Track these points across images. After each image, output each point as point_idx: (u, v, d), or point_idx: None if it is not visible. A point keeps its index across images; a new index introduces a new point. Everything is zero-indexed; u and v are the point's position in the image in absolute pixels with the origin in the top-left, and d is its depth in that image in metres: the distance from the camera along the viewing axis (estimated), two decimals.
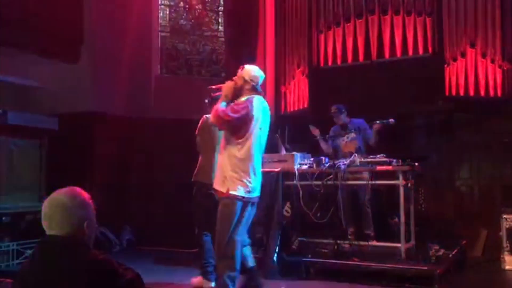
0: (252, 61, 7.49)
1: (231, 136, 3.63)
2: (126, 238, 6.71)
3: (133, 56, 7.13)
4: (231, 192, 3.54)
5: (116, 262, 1.88)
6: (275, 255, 4.86)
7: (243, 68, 3.81)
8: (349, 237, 5.25)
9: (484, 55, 6.02)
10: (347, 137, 5.64)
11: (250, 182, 3.58)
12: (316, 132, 5.70)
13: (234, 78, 3.77)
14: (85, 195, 1.90)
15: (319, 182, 4.91)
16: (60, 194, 1.85)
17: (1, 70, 5.77)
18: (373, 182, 5.03)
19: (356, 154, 5.09)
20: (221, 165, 3.65)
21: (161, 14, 7.82)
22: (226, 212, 3.58)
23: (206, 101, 4.30)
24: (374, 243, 5.14)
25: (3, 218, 5.32)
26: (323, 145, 5.70)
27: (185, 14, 7.99)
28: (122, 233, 6.75)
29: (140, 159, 7.10)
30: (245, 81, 3.74)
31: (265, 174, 5.17)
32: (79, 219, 1.81)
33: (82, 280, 1.69)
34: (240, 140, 3.59)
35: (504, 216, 5.13)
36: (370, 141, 5.56)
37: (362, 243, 5.03)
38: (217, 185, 3.64)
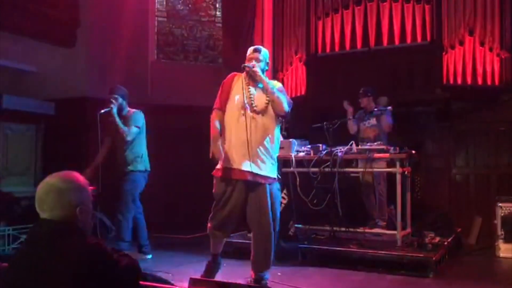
0: (249, 46, 7.47)
1: (276, 119, 3.63)
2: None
3: (129, 41, 7.07)
4: (277, 176, 3.65)
5: (112, 249, 1.87)
6: None
7: (258, 50, 3.72)
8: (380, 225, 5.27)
9: (482, 44, 6.01)
10: (368, 123, 5.60)
11: None
12: (350, 109, 5.64)
13: (254, 64, 3.61)
14: (81, 180, 1.87)
15: (316, 169, 4.92)
16: (53, 177, 1.84)
17: None
18: (371, 169, 5.04)
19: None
20: (265, 149, 3.56)
21: None
22: (278, 199, 3.67)
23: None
24: (370, 230, 5.16)
25: None
26: (350, 125, 5.65)
27: None
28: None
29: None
30: (267, 63, 3.76)
31: None
32: (71, 203, 1.79)
33: (74, 264, 1.67)
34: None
35: (499, 204, 5.17)
36: (385, 127, 5.46)
37: (358, 230, 5.05)
38: (266, 171, 3.57)
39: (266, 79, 3.63)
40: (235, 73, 3.74)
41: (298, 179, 4.98)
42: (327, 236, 5.11)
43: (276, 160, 3.70)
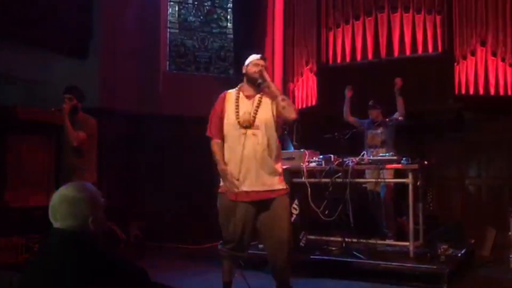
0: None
1: (279, 126, 3.48)
2: (133, 234, 6.73)
3: (141, 52, 7.14)
4: (286, 186, 3.51)
5: (122, 258, 1.87)
6: None
7: (265, 59, 3.60)
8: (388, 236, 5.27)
9: (494, 54, 5.98)
10: (375, 130, 5.66)
11: None
12: (348, 94, 5.88)
13: (261, 70, 3.44)
14: (94, 191, 1.89)
15: (328, 180, 4.90)
16: (67, 187, 1.87)
17: (11, 66, 5.79)
18: (382, 180, 5.02)
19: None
20: (269, 159, 3.39)
21: (170, 10, 7.82)
22: (289, 210, 3.60)
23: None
24: (383, 241, 5.13)
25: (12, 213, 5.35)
26: (345, 108, 5.86)
27: (194, 11, 7.98)
28: (130, 229, 6.77)
29: (148, 155, 7.11)
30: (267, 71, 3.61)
31: None
32: (83, 213, 1.81)
33: (86, 274, 1.68)
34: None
35: None
36: (399, 116, 5.53)
37: (370, 241, 5.01)
38: (276, 184, 3.41)
39: (274, 86, 3.45)
40: (225, 91, 3.59)
41: (309, 190, 4.97)
42: (339, 247, 5.07)
43: (281, 169, 3.54)
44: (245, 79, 3.52)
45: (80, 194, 1.84)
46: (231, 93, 3.54)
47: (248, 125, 3.37)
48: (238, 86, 3.55)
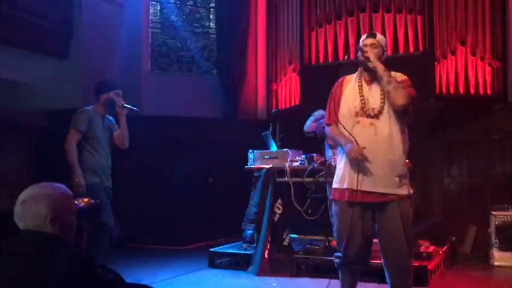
0: (243, 57, 7.50)
1: (403, 118, 3.04)
2: (115, 236, 6.67)
3: (123, 52, 7.08)
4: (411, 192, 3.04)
5: (93, 260, 1.78)
6: (266, 251, 4.86)
7: (373, 35, 3.18)
8: None
9: (474, 53, 6.06)
10: None
11: None
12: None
13: (367, 49, 3.08)
14: (57, 189, 1.82)
15: (310, 179, 4.91)
16: (29, 188, 1.81)
17: None
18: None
19: None
20: (390, 160, 2.97)
21: (152, 10, 7.77)
22: (411, 214, 3.08)
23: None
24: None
25: None
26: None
27: (176, 10, 7.94)
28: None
29: (129, 156, 7.05)
30: (384, 51, 3.18)
31: (256, 171, 5.20)
32: (40, 212, 1.74)
33: (51, 276, 1.63)
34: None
35: (493, 212, 5.21)
36: None
37: None
38: (394, 187, 2.96)
39: (381, 66, 3.02)
40: (345, 76, 3.23)
41: (292, 189, 4.97)
42: (322, 246, 5.09)
43: (407, 171, 3.10)
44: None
45: (39, 193, 1.78)
46: (350, 77, 3.19)
47: (363, 112, 3.01)
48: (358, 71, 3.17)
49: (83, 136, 4.05)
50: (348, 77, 3.21)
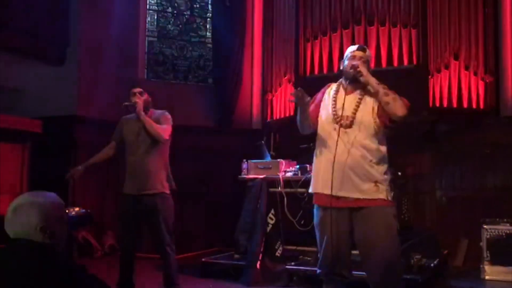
0: (239, 67, 7.54)
1: (380, 129, 3.02)
2: (108, 244, 6.66)
3: (119, 59, 7.10)
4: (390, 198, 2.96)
5: (81, 269, 1.78)
6: (258, 262, 4.86)
7: (363, 49, 3.20)
8: None
9: (467, 68, 6.12)
10: None
11: None
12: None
13: (356, 62, 3.10)
14: (50, 200, 1.81)
15: (303, 190, 4.93)
16: (21, 195, 1.80)
17: None
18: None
19: None
20: (364, 168, 2.94)
21: (148, 18, 7.81)
22: (395, 224, 3.00)
23: None
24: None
25: None
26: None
27: (173, 20, 7.99)
28: (104, 238, 6.70)
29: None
30: (369, 66, 3.22)
31: (249, 181, 5.22)
32: (30, 221, 1.73)
33: (41, 285, 1.62)
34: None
35: (485, 226, 5.22)
36: None
37: None
38: (368, 194, 2.93)
39: (374, 80, 3.05)
40: (329, 84, 3.28)
41: (285, 200, 4.99)
42: (314, 257, 5.09)
43: (386, 177, 3.02)
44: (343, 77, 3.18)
45: (28, 201, 1.76)
46: (331, 86, 3.25)
47: (336, 121, 3.04)
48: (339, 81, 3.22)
49: None
50: (333, 84, 3.27)
